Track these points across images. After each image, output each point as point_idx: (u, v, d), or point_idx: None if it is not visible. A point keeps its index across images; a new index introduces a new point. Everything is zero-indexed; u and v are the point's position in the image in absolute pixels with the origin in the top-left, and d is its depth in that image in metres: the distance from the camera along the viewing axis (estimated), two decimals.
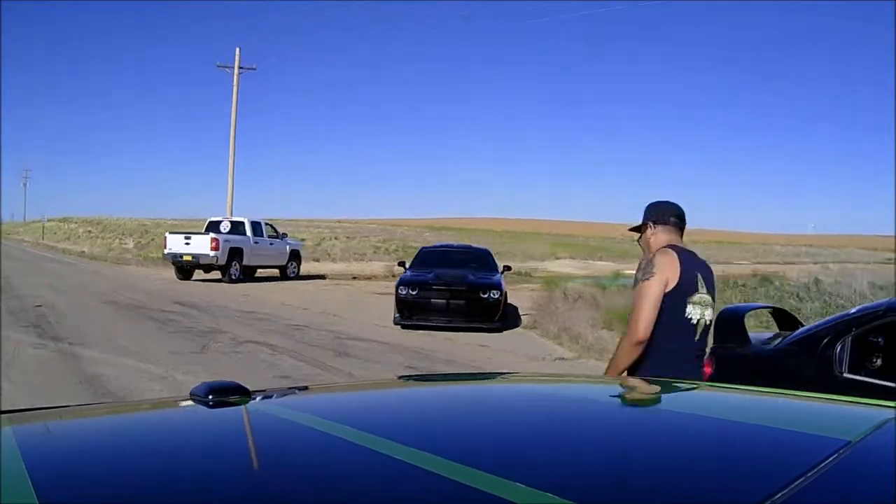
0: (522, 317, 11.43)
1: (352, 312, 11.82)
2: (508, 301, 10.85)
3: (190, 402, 1.18)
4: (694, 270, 2.58)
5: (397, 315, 10.23)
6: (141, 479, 0.84)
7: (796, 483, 0.71)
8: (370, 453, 0.86)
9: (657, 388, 1.60)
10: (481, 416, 1.21)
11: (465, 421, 1.17)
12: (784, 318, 4.33)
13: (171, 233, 18.25)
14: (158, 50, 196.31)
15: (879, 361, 3.40)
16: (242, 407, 1.14)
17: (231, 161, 26.22)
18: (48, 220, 53.87)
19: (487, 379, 2.22)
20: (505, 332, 10.11)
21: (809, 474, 0.73)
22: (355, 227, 54.82)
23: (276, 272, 19.46)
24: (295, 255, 20.03)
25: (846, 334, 3.40)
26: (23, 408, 1.28)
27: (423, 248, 13.08)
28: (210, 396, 1.14)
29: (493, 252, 12.65)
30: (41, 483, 0.75)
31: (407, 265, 11.44)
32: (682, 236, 2.73)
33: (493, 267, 11.61)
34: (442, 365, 7.36)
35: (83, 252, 32.72)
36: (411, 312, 10.13)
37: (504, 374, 3.20)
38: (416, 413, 1.24)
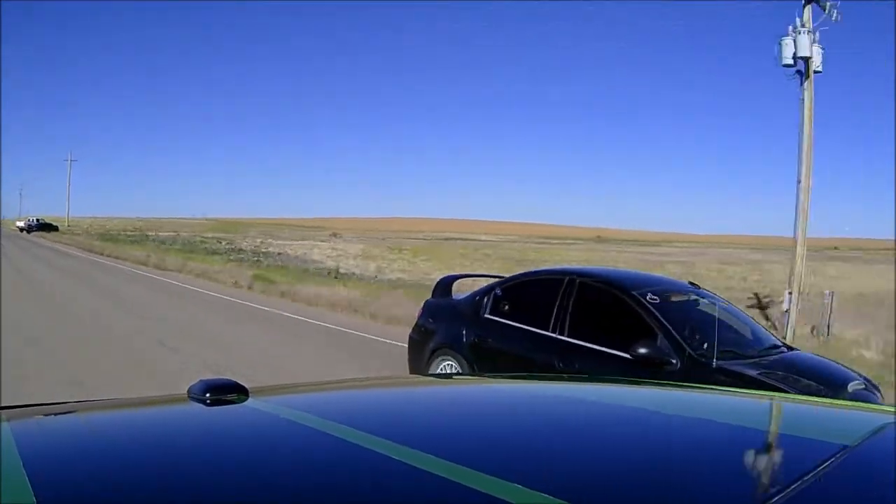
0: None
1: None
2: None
3: (188, 400, 1.16)
4: None
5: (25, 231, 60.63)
6: (138, 477, 0.84)
7: (795, 486, 0.71)
8: (368, 453, 0.87)
9: (656, 390, 1.59)
10: (479, 416, 1.23)
11: (463, 421, 1.18)
12: None
13: (16, 220, 68.13)
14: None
15: (507, 307, 5.04)
16: (240, 405, 1.13)
17: (67, 191, 73.88)
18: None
19: (486, 379, 2.26)
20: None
21: (807, 477, 0.74)
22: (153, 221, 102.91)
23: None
24: (43, 226, 66.78)
25: (492, 290, 5.21)
26: (20, 404, 1.30)
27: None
28: (207, 395, 1.13)
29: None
30: (38, 479, 0.75)
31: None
32: None
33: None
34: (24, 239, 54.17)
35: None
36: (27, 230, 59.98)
37: (503, 375, 3.45)
38: (413, 413, 1.24)
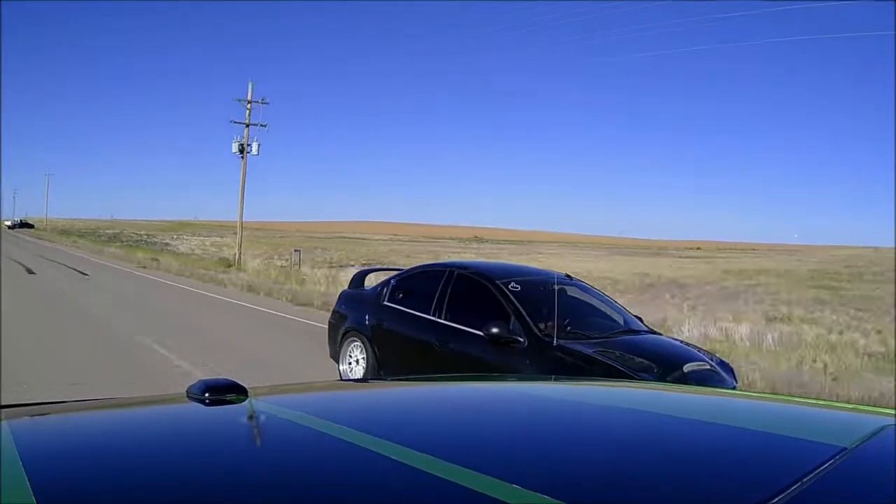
0: None
1: None
2: None
3: (187, 400, 1.16)
4: None
5: (11, 228, 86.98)
6: (137, 476, 0.84)
7: (792, 488, 0.71)
8: (366, 453, 0.87)
9: (654, 391, 1.61)
10: (476, 416, 1.23)
11: (462, 422, 1.18)
12: None
13: (5, 220, 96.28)
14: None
15: (401, 295, 5.77)
16: (239, 405, 1.14)
17: (45, 199, 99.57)
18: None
19: (484, 380, 2.24)
20: None
21: (805, 479, 0.74)
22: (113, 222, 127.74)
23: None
24: (24, 225, 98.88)
25: (390, 281, 6.01)
26: (20, 403, 1.29)
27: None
28: (207, 394, 1.14)
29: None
30: (37, 479, 0.75)
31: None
32: None
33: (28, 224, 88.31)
34: None
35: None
36: (12, 228, 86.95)
37: (501, 375, 3.44)
38: (411, 413, 1.25)
